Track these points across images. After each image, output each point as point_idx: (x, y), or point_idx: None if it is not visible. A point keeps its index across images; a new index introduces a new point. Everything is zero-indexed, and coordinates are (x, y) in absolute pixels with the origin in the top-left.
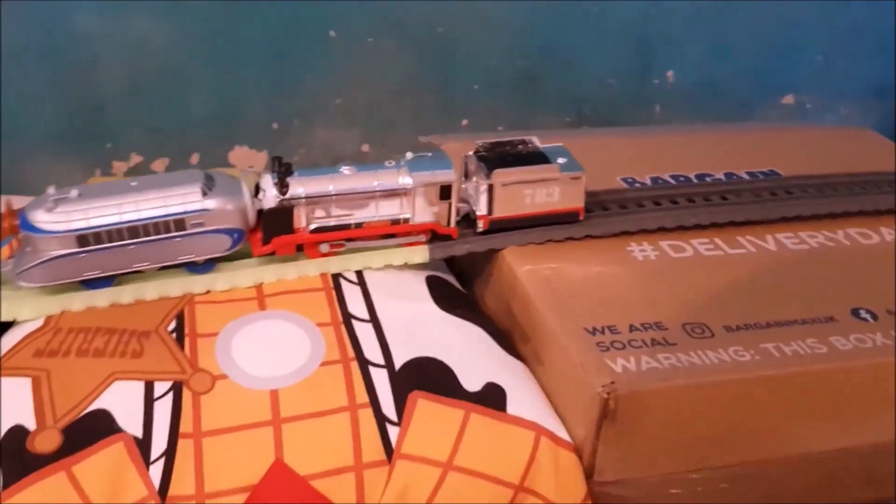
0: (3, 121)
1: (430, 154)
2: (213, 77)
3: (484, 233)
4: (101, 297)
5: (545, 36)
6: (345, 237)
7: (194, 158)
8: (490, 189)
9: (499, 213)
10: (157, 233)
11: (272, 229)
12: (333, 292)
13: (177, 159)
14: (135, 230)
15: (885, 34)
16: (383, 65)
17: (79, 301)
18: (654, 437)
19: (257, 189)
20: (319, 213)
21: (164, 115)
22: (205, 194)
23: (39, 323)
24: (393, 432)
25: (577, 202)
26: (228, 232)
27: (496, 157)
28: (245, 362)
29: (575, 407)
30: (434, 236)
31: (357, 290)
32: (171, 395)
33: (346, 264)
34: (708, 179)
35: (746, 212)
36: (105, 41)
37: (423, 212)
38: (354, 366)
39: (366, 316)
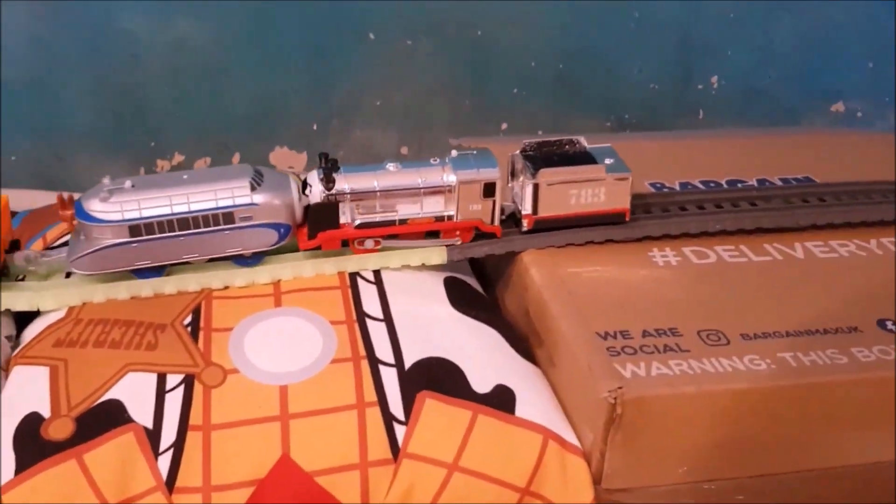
0: (51, 119)
1: (474, 152)
2: (254, 77)
3: (528, 232)
4: (136, 289)
5: (585, 38)
6: (389, 233)
7: (235, 158)
8: (536, 188)
9: (544, 212)
10: (207, 225)
11: (318, 224)
12: (350, 291)
13: (218, 159)
14: (185, 222)
15: None
16: (421, 66)
17: (100, 292)
18: (664, 445)
19: (304, 185)
20: (364, 208)
21: (205, 115)
22: (254, 189)
23: (62, 314)
24: (400, 431)
25: (622, 203)
26: (275, 227)
27: (543, 157)
28: (257, 357)
29: (584, 411)
30: (477, 234)
31: (373, 289)
32: (182, 387)
33: (364, 263)
34: (739, 185)
35: (775, 218)
36: (148, 40)
37: (466, 209)
38: (365, 364)
39: (380, 315)
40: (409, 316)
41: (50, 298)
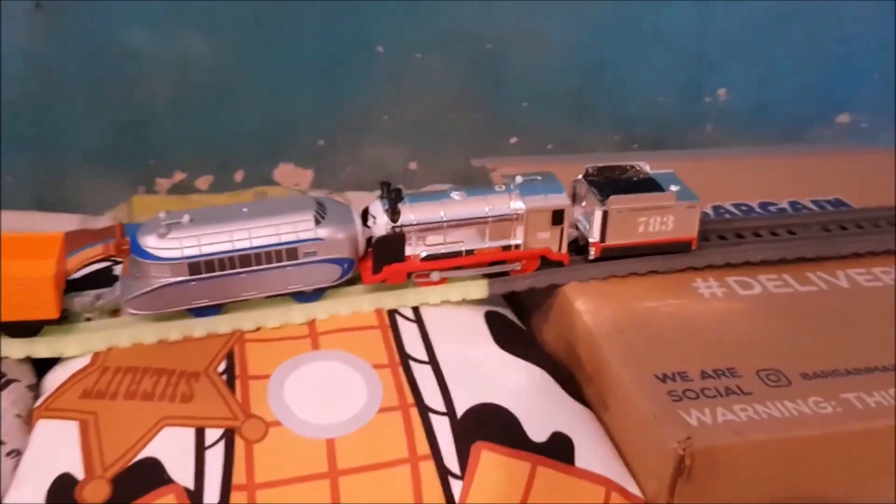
0: (49, 137)
1: (539, 177)
2: (258, 93)
3: (595, 260)
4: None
5: (596, 53)
6: (456, 265)
7: (238, 176)
8: (605, 215)
9: (612, 240)
10: (269, 262)
11: (383, 257)
12: (390, 330)
13: (221, 177)
14: (247, 259)
15: None
16: (431, 81)
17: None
18: (731, 495)
19: (365, 215)
20: (431, 240)
21: (208, 132)
22: (318, 223)
23: (86, 361)
24: (456, 486)
25: (691, 231)
26: (339, 262)
27: (608, 183)
28: (299, 408)
29: (647, 461)
30: (544, 262)
31: (414, 327)
32: (222, 443)
33: (403, 300)
34: (772, 209)
35: (816, 247)
36: (150, 57)
37: (534, 237)
38: (414, 413)
39: (424, 357)
40: (455, 357)
41: (73, 344)
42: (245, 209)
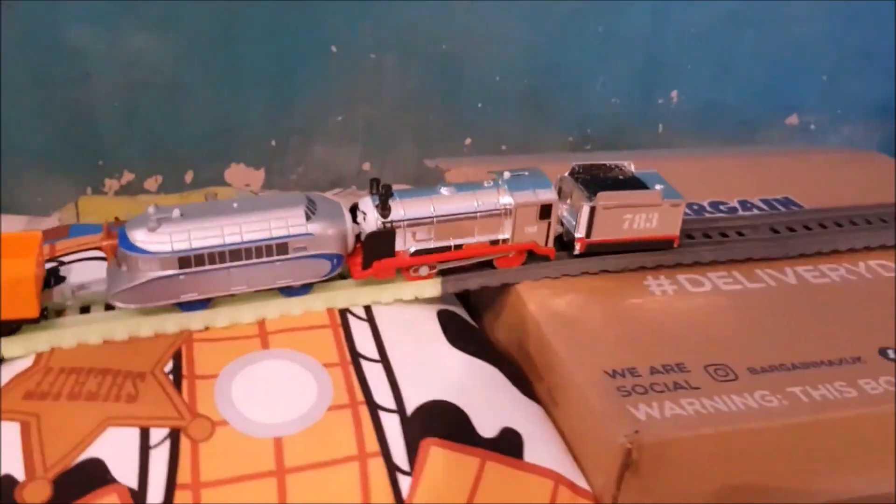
0: None
1: (526, 173)
2: (209, 93)
3: (580, 255)
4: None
5: (550, 55)
6: (444, 259)
7: (188, 176)
8: (592, 211)
9: (597, 236)
10: (259, 256)
11: (373, 253)
12: (341, 329)
13: (171, 177)
14: (237, 253)
15: (890, 55)
16: (385, 82)
17: (70, 336)
18: (678, 488)
19: (354, 211)
20: (420, 235)
21: (158, 132)
22: (308, 218)
23: (30, 362)
24: (404, 482)
25: (674, 230)
26: (329, 257)
27: (595, 181)
28: (247, 407)
29: (595, 455)
30: (531, 256)
31: (365, 326)
32: (168, 442)
33: (354, 299)
34: (722, 208)
35: (765, 248)
36: (98, 56)
37: (522, 232)
38: (364, 410)
39: (375, 355)
40: (406, 356)
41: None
42: (235, 204)
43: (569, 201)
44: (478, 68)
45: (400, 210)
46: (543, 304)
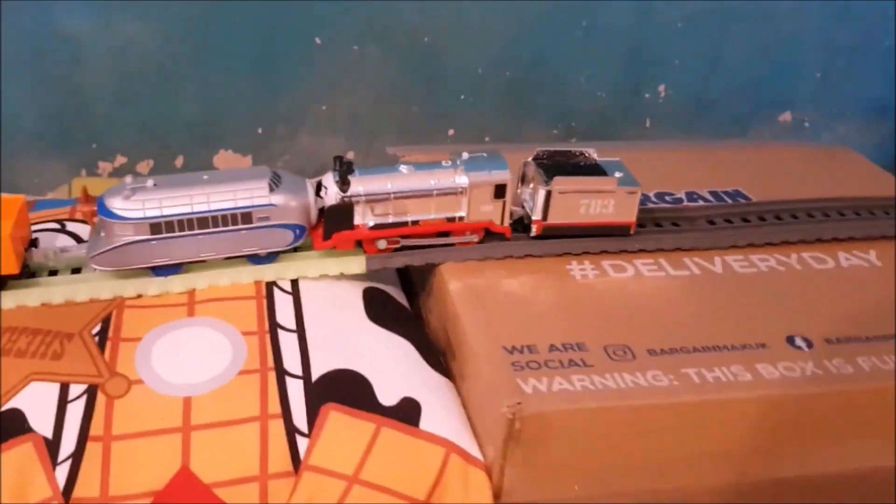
0: None
1: (485, 154)
2: (198, 81)
3: (537, 237)
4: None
5: (533, 47)
6: (402, 234)
7: (179, 161)
8: (548, 195)
9: (553, 219)
10: (225, 225)
11: (333, 225)
12: (265, 301)
13: (161, 162)
14: (204, 221)
15: (884, 54)
16: (368, 73)
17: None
18: (563, 461)
19: (319, 187)
20: (378, 210)
21: (149, 118)
22: (272, 190)
23: None
24: (302, 443)
25: (630, 216)
26: (292, 227)
27: (555, 165)
28: (163, 368)
29: (486, 426)
30: (487, 234)
31: (289, 299)
32: (84, 397)
33: (282, 273)
34: (668, 199)
35: (695, 239)
36: (91, 43)
37: (478, 210)
38: (272, 376)
39: (292, 326)
40: (322, 327)
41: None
42: (206, 177)
43: (531, 185)
44: (460, 61)
45: (359, 186)
46: (462, 283)
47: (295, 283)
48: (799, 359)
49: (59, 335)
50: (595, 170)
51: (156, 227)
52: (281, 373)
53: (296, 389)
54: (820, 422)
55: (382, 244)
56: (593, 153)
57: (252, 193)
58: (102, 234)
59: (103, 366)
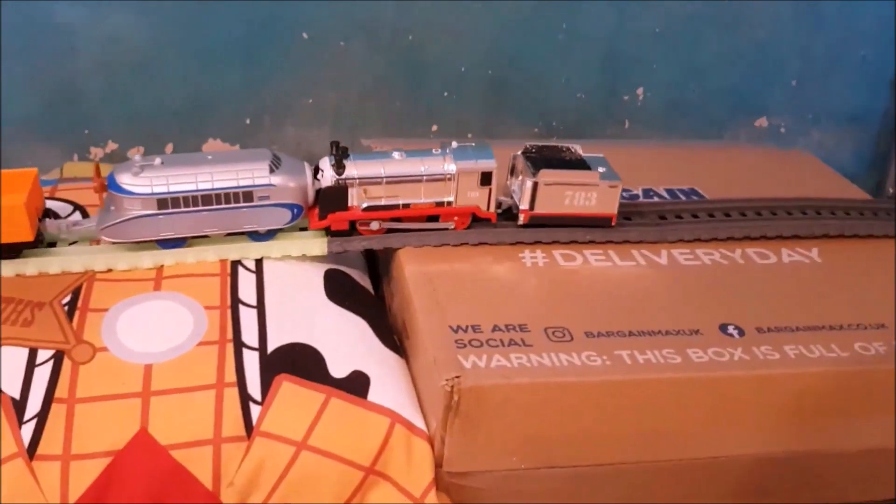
0: None
1: (473, 144)
2: (188, 71)
3: (524, 226)
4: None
5: (514, 47)
6: (393, 216)
7: (168, 149)
8: (535, 186)
9: (539, 209)
10: (227, 202)
11: (328, 206)
12: (229, 278)
13: (151, 148)
14: (208, 198)
15: (860, 63)
16: (354, 68)
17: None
18: (500, 433)
19: (316, 170)
20: (371, 193)
21: (139, 106)
22: (272, 171)
23: None
24: (255, 410)
25: (611, 209)
26: (290, 206)
27: (542, 159)
28: (127, 338)
29: (429, 399)
30: (474, 219)
31: (252, 277)
32: (52, 362)
33: (245, 252)
34: (624, 195)
35: (643, 233)
36: (83, 32)
37: (465, 196)
38: (229, 347)
39: (253, 302)
40: (281, 304)
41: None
42: (210, 157)
43: (520, 177)
44: (443, 59)
45: (353, 169)
46: (417, 268)
47: (260, 262)
48: (729, 345)
49: (30, 304)
50: (580, 164)
51: (162, 202)
52: (238, 345)
53: (251, 360)
54: (744, 404)
55: (375, 225)
56: (579, 149)
57: (253, 173)
58: (112, 208)
59: (70, 333)
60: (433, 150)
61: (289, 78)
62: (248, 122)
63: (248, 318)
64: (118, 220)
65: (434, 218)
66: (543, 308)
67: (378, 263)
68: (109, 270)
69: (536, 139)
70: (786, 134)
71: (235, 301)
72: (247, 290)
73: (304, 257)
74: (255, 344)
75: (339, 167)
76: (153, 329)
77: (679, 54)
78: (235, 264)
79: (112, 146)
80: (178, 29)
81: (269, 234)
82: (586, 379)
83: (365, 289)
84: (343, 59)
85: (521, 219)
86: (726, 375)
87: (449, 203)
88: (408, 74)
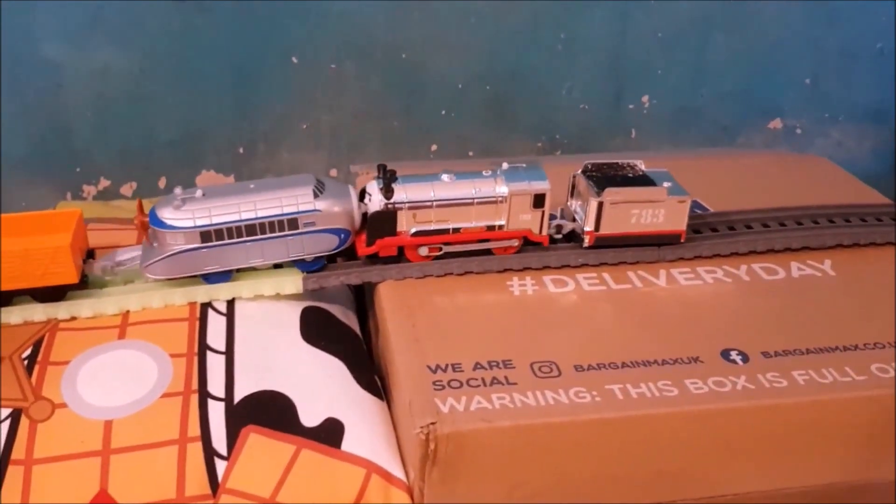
0: None
1: (524, 165)
2: (178, 102)
3: (590, 248)
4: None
5: (512, 60)
6: (443, 241)
7: (162, 182)
8: (600, 206)
9: (605, 230)
10: (273, 231)
11: (377, 231)
12: (198, 323)
13: (144, 183)
14: (252, 228)
15: (877, 56)
16: (348, 90)
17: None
18: (482, 480)
19: (362, 194)
20: (421, 217)
21: (130, 141)
22: (316, 196)
23: None
24: (220, 466)
25: (680, 225)
26: (336, 232)
27: (605, 178)
28: (87, 392)
29: (407, 446)
30: (526, 243)
31: (222, 320)
32: (8, 421)
33: (215, 294)
34: None
35: (637, 255)
36: (71, 69)
37: (517, 219)
38: (194, 398)
39: (222, 348)
40: (252, 348)
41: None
42: (252, 185)
43: (581, 197)
44: (439, 76)
45: (402, 193)
46: (397, 302)
47: (231, 304)
48: (731, 373)
49: None
50: (644, 180)
51: (206, 235)
52: (204, 395)
53: (217, 412)
54: (750, 438)
55: (424, 251)
56: (641, 164)
57: (297, 200)
58: (155, 244)
59: (29, 390)
60: (483, 172)
61: (280, 104)
62: (241, 150)
63: (215, 365)
64: (162, 257)
65: (484, 242)
66: (530, 341)
67: (365, 297)
68: (73, 318)
69: (539, 154)
70: (802, 135)
71: (203, 347)
72: (215, 335)
73: (278, 296)
74: (222, 394)
75: (387, 191)
76: (115, 382)
77: (684, 58)
78: (205, 307)
79: (104, 183)
80: (165, 60)
81: (317, 262)
82: (574, 418)
83: (346, 327)
84: (336, 82)
85: (587, 240)
86: (728, 407)
87: (500, 226)
88: (404, 93)
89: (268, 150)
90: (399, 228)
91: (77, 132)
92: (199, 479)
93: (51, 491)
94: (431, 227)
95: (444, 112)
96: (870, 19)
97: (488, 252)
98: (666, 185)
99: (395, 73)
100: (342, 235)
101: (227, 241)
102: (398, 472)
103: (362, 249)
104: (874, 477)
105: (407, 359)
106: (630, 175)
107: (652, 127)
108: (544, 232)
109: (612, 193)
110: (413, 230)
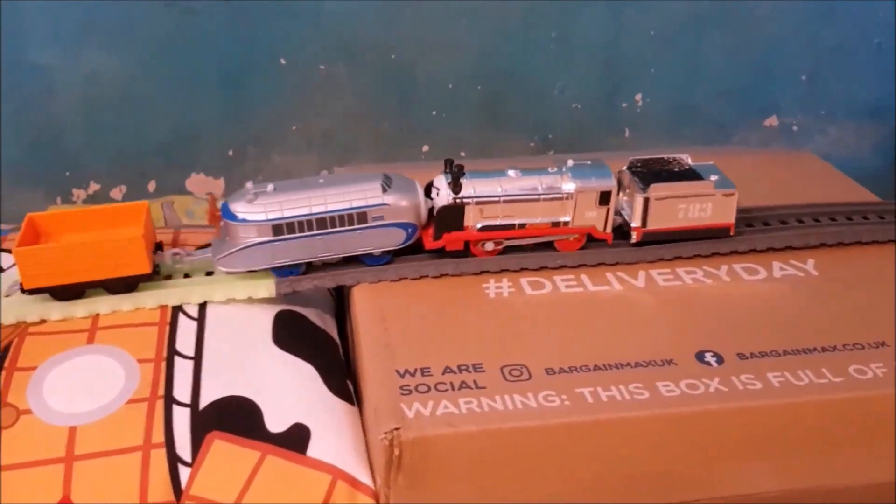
0: None
1: (589, 162)
2: (167, 106)
3: (637, 244)
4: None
5: (504, 60)
6: (509, 236)
7: (151, 186)
8: (646, 202)
9: (652, 225)
10: (342, 225)
11: (444, 226)
12: (168, 327)
13: (134, 186)
14: (322, 222)
15: (874, 52)
16: (338, 91)
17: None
18: (449, 486)
19: (428, 188)
20: (488, 212)
21: (120, 144)
22: (384, 191)
23: None
24: (184, 472)
25: (728, 218)
26: (404, 226)
27: (651, 173)
28: (53, 398)
29: (374, 452)
30: (589, 240)
31: (193, 325)
32: None
33: (187, 297)
34: None
35: (616, 255)
36: (60, 73)
37: (582, 216)
38: (160, 404)
39: (190, 353)
40: (221, 353)
41: (197, 295)
42: (321, 180)
43: (627, 193)
44: (429, 76)
45: (470, 188)
46: (369, 306)
47: (203, 308)
48: (705, 375)
49: None
50: (690, 174)
51: (277, 228)
52: (169, 401)
53: (182, 418)
54: (723, 441)
55: (490, 246)
56: (687, 159)
57: (366, 194)
58: (227, 237)
59: None
60: (549, 169)
61: (269, 106)
62: (230, 153)
63: (182, 371)
64: (234, 249)
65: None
66: (502, 343)
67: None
68: (43, 321)
69: (532, 154)
70: (799, 132)
71: (172, 352)
72: (185, 340)
73: (251, 300)
74: (188, 399)
75: (455, 186)
76: (81, 387)
77: (678, 56)
78: (176, 311)
79: (94, 187)
80: (154, 64)
81: (385, 257)
82: (542, 422)
83: (322, 331)
84: (325, 83)
85: (634, 236)
86: (700, 410)
87: (565, 223)
88: (394, 94)
89: (258, 153)
90: (466, 223)
91: (67, 136)
92: (163, 486)
93: (14, 498)
94: (497, 223)
95: (435, 113)
96: (867, 14)
97: (551, 246)
98: (713, 178)
99: (387, 73)
100: (409, 230)
101: (297, 235)
102: (365, 478)
103: (429, 244)
104: (850, 481)
105: (375, 363)
106: (676, 169)
107: (646, 126)
108: (608, 229)
109: (658, 189)
110: (479, 225)
